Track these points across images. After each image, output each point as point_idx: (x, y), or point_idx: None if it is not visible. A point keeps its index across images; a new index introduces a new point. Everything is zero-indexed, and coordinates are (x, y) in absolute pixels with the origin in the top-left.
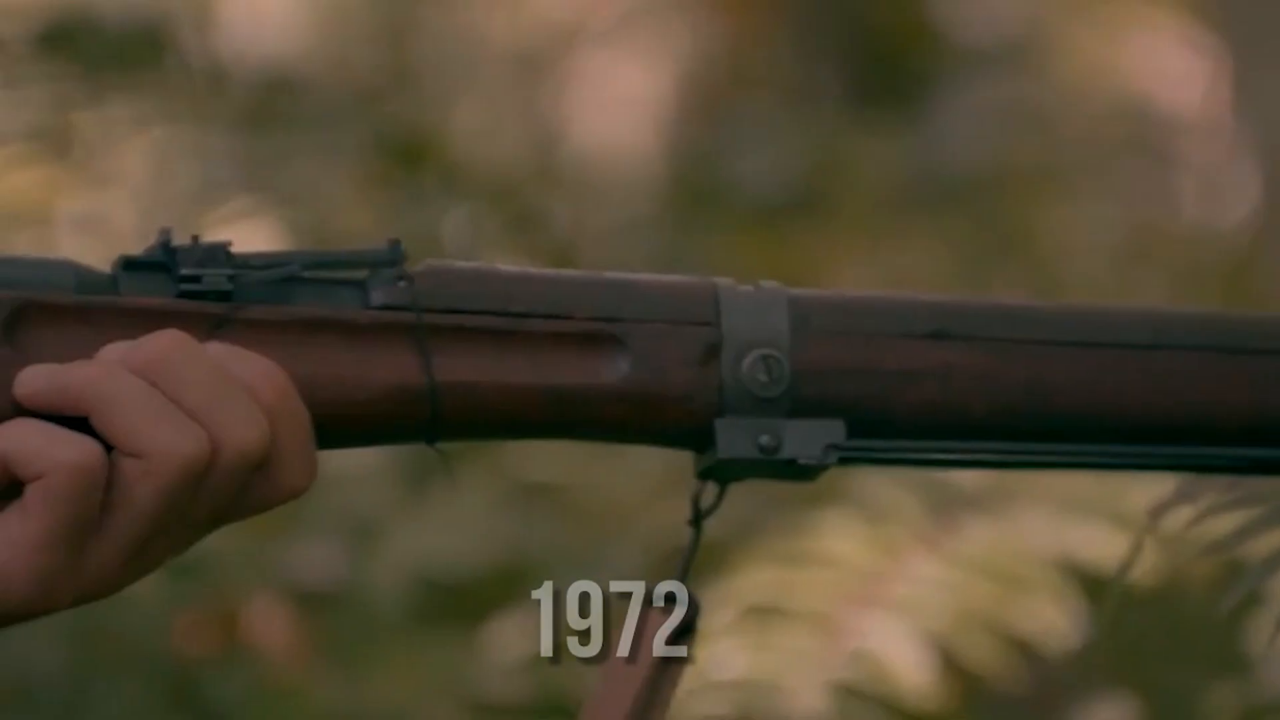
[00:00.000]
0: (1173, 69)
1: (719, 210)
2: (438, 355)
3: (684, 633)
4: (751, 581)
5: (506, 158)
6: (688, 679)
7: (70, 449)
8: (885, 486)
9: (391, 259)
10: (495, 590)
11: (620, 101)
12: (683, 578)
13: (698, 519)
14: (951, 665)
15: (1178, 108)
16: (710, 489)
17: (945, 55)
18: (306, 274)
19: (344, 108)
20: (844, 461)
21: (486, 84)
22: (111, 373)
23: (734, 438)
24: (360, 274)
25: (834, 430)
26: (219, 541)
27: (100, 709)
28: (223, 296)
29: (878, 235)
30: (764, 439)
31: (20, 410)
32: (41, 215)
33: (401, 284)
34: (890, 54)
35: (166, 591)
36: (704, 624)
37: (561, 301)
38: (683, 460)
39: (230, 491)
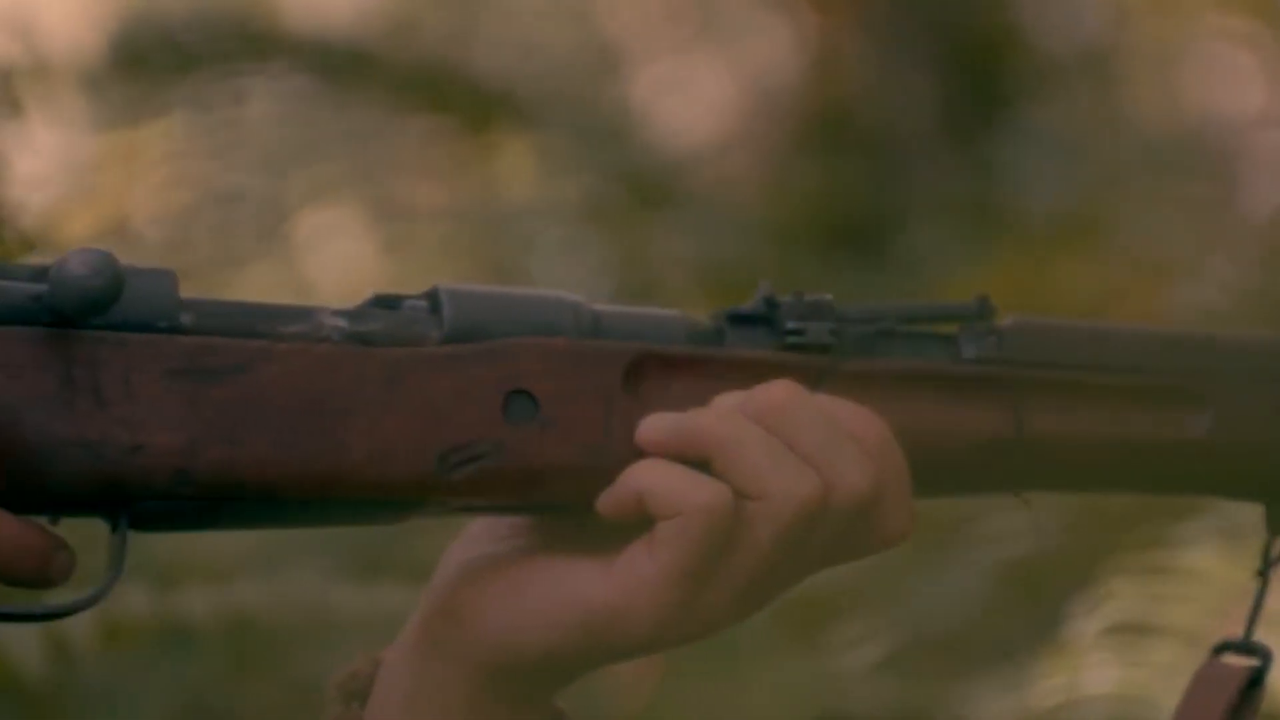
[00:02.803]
0: (1241, 72)
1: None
2: (1027, 408)
3: (1254, 685)
4: (1118, 596)
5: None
6: (1057, 692)
7: (706, 491)
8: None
9: (982, 313)
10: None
11: (698, 104)
12: (1250, 629)
13: (1265, 570)
14: None
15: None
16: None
17: (1033, 65)
18: (900, 328)
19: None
20: None
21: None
22: (732, 419)
23: None
24: (950, 328)
25: None
26: None
27: None
28: (823, 349)
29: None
30: None
31: (640, 457)
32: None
33: (992, 338)
34: (980, 63)
35: None
36: (1073, 637)
37: (1146, 357)
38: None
39: (837, 534)
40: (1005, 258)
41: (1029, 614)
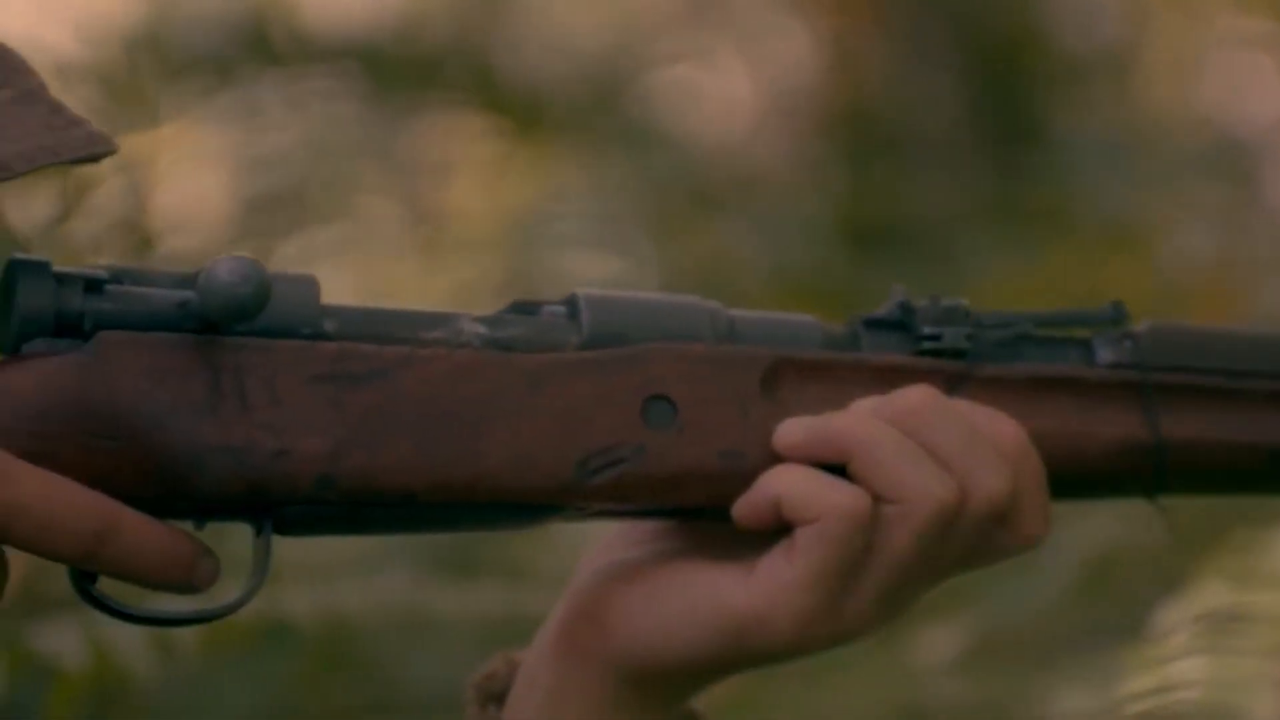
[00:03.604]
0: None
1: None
2: (1163, 412)
3: None
4: (1207, 598)
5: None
6: (1145, 690)
7: (844, 495)
8: None
9: (1116, 318)
10: None
11: (727, 106)
12: None
13: None
14: None
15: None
16: None
17: (1056, 66)
18: (1035, 332)
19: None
20: None
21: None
22: (869, 423)
23: None
24: (1084, 332)
25: None
26: None
27: None
28: (958, 354)
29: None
30: None
31: (777, 460)
32: None
33: (1127, 343)
34: (1003, 63)
35: None
36: (1161, 634)
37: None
38: None
39: (974, 538)
40: (1043, 258)
41: (1111, 611)
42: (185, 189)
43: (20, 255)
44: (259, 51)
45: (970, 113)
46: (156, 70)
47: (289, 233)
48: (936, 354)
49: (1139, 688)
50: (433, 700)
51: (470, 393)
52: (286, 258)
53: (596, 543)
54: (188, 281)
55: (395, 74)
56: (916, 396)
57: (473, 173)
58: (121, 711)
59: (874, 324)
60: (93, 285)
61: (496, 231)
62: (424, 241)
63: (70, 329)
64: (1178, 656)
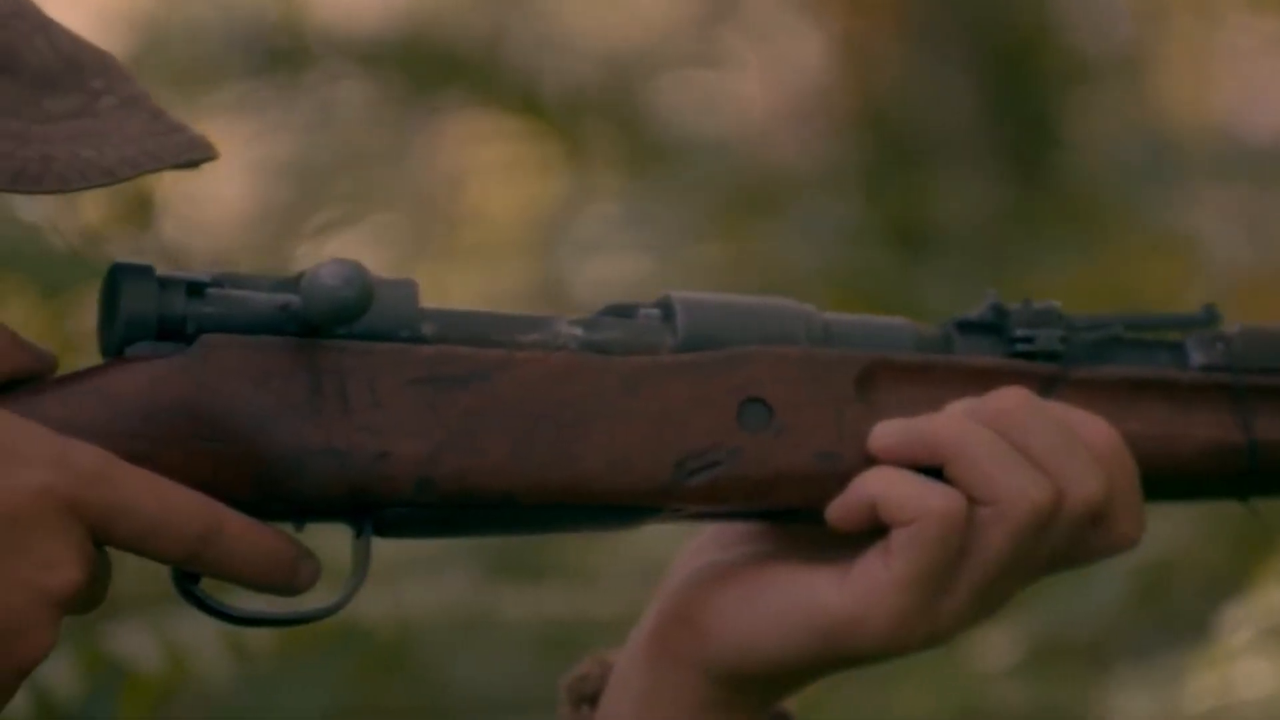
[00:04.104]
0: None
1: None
2: (1255, 414)
3: None
4: (1270, 601)
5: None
6: (1208, 695)
7: (940, 497)
8: None
9: (1208, 320)
10: None
11: (741, 105)
12: None
13: None
14: None
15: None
16: None
17: (1070, 67)
18: (1127, 335)
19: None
20: None
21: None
22: (964, 425)
23: None
24: (1176, 335)
25: None
26: None
27: None
28: (1051, 357)
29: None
30: None
31: (872, 463)
32: None
33: (1219, 345)
34: (1017, 63)
35: None
36: (1223, 639)
37: None
38: None
39: (1068, 540)
40: (1085, 260)
41: (1171, 615)
42: (203, 193)
43: (123, 260)
44: (280, 54)
45: (986, 116)
46: (170, 74)
47: (310, 234)
48: (1030, 356)
49: (1199, 691)
50: (491, 702)
51: (567, 395)
52: (303, 257)
53: (656, 543)
54: (287, 285)
55: (418, 76)
56: (1011, 399)
57: (497, 176)
58: (193, 713)
59: (966, 326)
60: (195, 289)
61: (524, 236)
62: (449, 246)
63: (173, 332)
64: (1238, 660)
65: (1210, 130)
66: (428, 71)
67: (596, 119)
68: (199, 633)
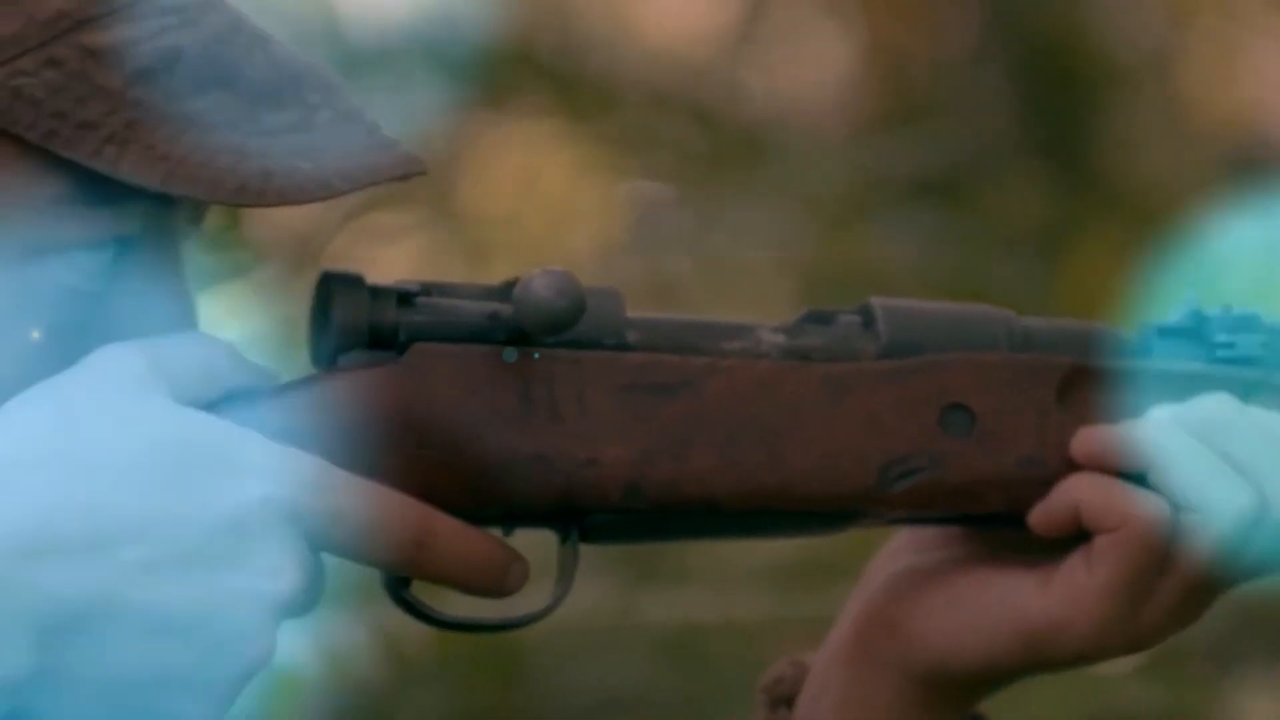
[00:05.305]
0: None
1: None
2: None
3: None
4: None
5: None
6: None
7: (1144, 504)
8: None
9: None
10: None
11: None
12: None
13: None
14: None
15: None
16: None
17: (1101, 69)
18: None
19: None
20: None
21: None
22: (1168, 432)
23: None
24: None
25: None
26: None
27: None
28: (1252, 362)
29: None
30: None
31: (1074, 469)
32: None
33: None
34: (1053, 64)
35: None
36: None
37: None
38: None
39: (1272, 547)
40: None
41: None
42: None
43: (333, 270)
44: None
45: (1021, 118)
46: None
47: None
48: (1230, 362)
49: None
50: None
51: (772, 402)
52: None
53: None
54: (496, 293)
55: (468, 77)
56: (1214, 405)
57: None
58: (348, 715)
59: (1166, 332)
60: (405, 298)
61: (598, 238)
62: (520, 250)
63: (384, 342)
64: None
65: (1241, 130)
66: (497, 75)
67: (674, 120)
68: (356, 636)
